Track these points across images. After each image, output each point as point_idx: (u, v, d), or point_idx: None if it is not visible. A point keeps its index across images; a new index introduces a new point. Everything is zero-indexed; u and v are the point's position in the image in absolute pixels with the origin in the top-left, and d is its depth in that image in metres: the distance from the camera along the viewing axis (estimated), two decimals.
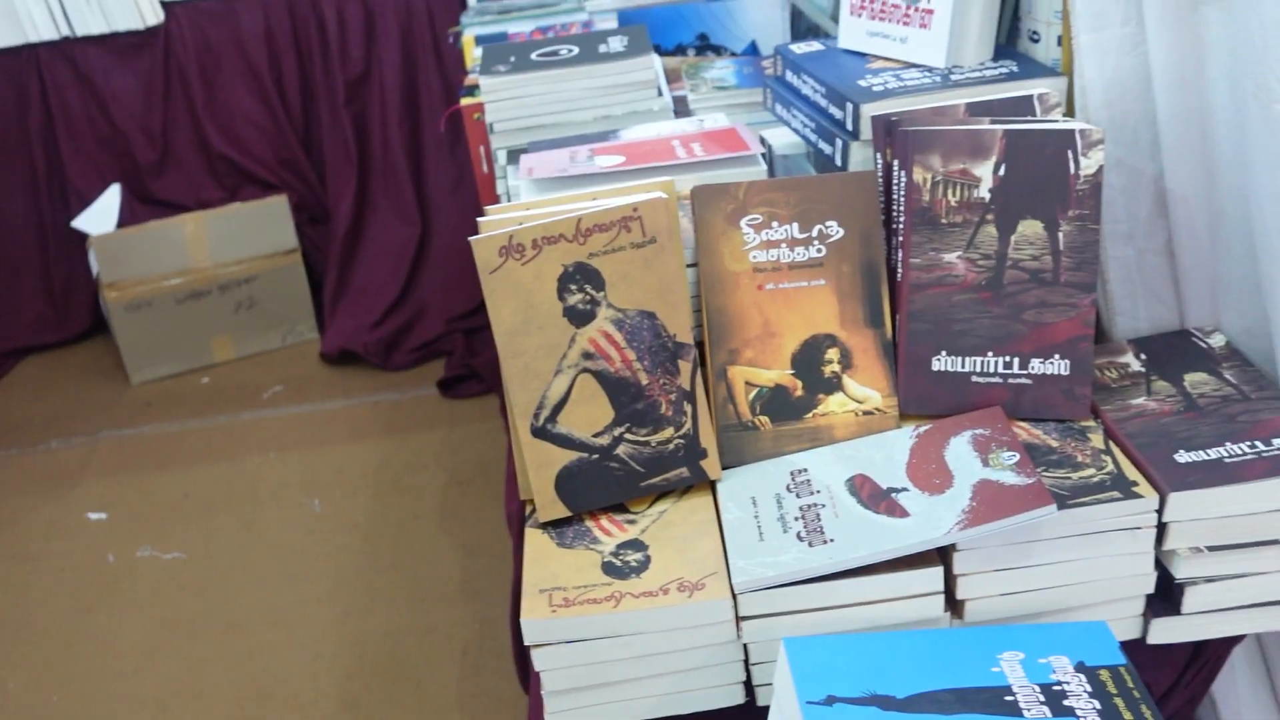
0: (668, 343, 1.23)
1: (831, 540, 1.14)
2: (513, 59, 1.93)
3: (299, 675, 2.51)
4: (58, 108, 3.80)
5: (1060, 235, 1.25)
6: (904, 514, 1.15)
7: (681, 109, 1.98)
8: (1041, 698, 0.97)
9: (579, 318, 1.22)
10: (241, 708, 2.46)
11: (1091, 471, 1.18)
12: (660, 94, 1.92)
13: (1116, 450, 1.21)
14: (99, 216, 3.73)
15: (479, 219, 1.25)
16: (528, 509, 1.27)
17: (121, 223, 3.78)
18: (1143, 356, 1.35)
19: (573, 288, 1.22)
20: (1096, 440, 1.23)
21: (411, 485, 3.08)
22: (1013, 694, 0.97)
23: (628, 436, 1.24)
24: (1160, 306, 1.39)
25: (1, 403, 3.79)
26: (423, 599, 2.66)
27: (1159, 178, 1.35)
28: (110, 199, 3.78)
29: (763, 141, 1.70)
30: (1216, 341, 1.36)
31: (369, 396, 3.53)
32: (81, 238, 3.76)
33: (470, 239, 1.20)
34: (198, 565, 2.88)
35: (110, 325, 3.71)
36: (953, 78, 1.42)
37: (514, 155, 1.80)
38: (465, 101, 2.18)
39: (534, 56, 1.94)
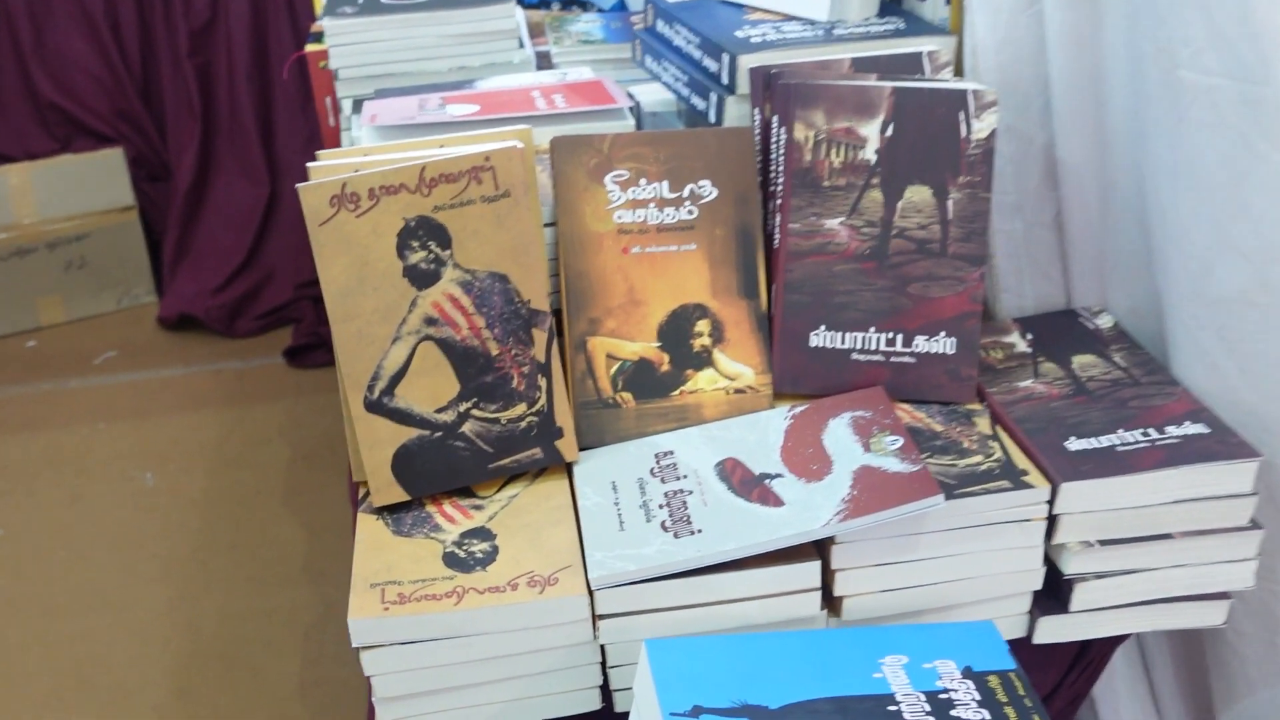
0: (521, 309, 1.11)
1: (699, 531, 1.03)
2: (361, 1, 1.77)
3: (125, 662, 2.34)
4: None
5: (950, 203, 1.16)
6: (778, 502, 1.04)
7: (545, 64, 1.85)
8: (927, 707, 0.87)
9: (421, 278, 1.09)
10: (60, 697, 2.28)
11: (979, 459, 1.09)
12: (521, 45, 1.78)
13: (1004, 436, 1.12)
14: None
15: (309, 164, 1.10)
16: (361, 491, 1.13)
17: None
18: (1029, 336, 1.27)
19: (414, 244, 1.08)
20: (983, 425, 1.14)
21: (254, 459, 2.91)
22: (896, 703, 0.88)
23: (475, 413, 1.11)
24: (1047, 284, 1.32)
25: None
26: (263, 580, 2.50)
27: (1050, 146, 1.27)
28: None
29: (631, 98, 1.57)
30: (1104, 322, 1.29)
31: (210, 364, 3.33)
32: None
33: (298, 186, 1.06)
34: (15, 543, 2.67)
35: None
36: (836, 32, 1.32)
37: (361, 105, 1.64)
38: (311, 48, 2.01)
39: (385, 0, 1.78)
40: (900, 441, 1.08)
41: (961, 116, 1.15)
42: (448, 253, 1.09)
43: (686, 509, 1.05)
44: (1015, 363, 1.23)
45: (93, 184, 3.51)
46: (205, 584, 2.50)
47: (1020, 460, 1.08)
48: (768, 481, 1.07)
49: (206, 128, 3.66)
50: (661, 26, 1.46)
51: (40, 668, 2.31)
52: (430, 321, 1.09)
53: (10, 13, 3.51)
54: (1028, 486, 1.05)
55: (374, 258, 1.08)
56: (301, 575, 2.52)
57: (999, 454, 1.10)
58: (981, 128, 1.15)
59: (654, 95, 1.54)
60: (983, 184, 1.16)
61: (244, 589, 2.48)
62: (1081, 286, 1.32)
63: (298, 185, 1.06)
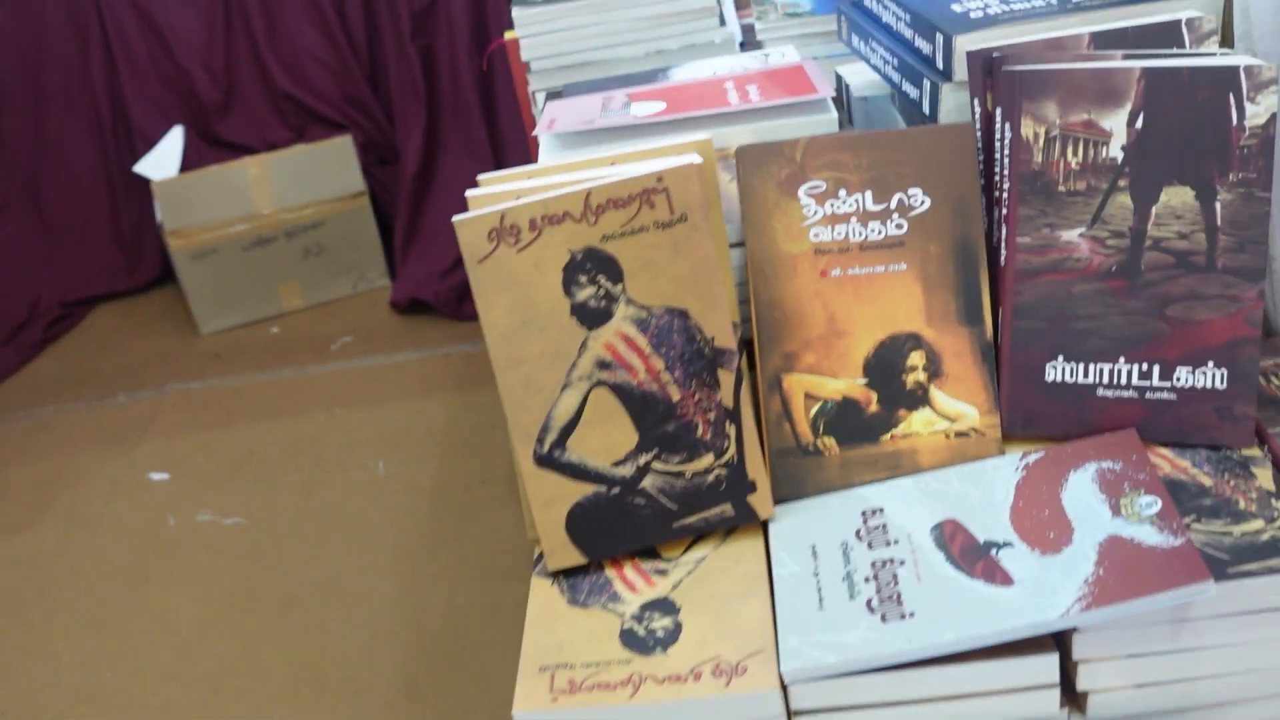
0: (704, 348, 0.97)
1: (911, 614, 0.87)
2: None
3: (355, 656, 2.36)
4: (119, 47, 3.63)
5: (1218, 206, 0.95)
6: (1007, 580, 0.88)
7: (751, 40, 1.69)
8: None
9: (591, 317, 0.97)
10: (296, 691, 2.31)
11: (1259, 525, 0.89)
12: (722, 22, 1.62)
13: None
14: (162, 160, 3.56)
15: (468, 192, 1.00)
16: (535, 551, 1.03)
17: (186, 166, 3.61)
18: None
19: (582, 279, 0.96)
20: (1264, 478, 0.94)
21: (481, 446, 2.89)
22: None
23: (656, 465, 0.99)
24: None
25: (73, 353, 3.70)
26: (488, 574, 2.48)
27: None
28: (173, 142, 3.61)
29: (839, 81, 1.41)
30: None
31: (440, 348, 3.35)
32: (147, 183, 3.60)
33: (454, 219, 0.95)
34: (257, 531, 2.74)
35: (177, 274, 3.56)
36: (1073, 0, 1.11)
37: (556, 98, 1.54)
38: (510, 35, 1.91)
39: None
40: (1158, 505, 0.89)
41: (1232, 99, 0.94)
42: (619, 287, 0.96)
43: (897, 584, 0.90)
44: None
45: (325, 172, 3.56)
46: (432, 576, 2.49)
47: None
48: (994, 552, 0.91)
49: (431, 110, 3.66)
50: (868, 0, 1.29)
51: (277, 661, 2.35)
52: (603, 365, 0.97)
53: (244, 5, 3.59)
54: None
55: (538, 296, 0.96)
56: (526, 569, 2.47)
57: None
58: (1258, 112, 0.94)
59: (867, 75, 1.37)
60: (1260, 181, 0.95)
61: (469, 582, 2.46)
62: None
63: (454, 219, 0.96)
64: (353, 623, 2.44)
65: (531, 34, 1.63)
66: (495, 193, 0.99)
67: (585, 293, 0.96)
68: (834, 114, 1.19)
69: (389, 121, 3.77)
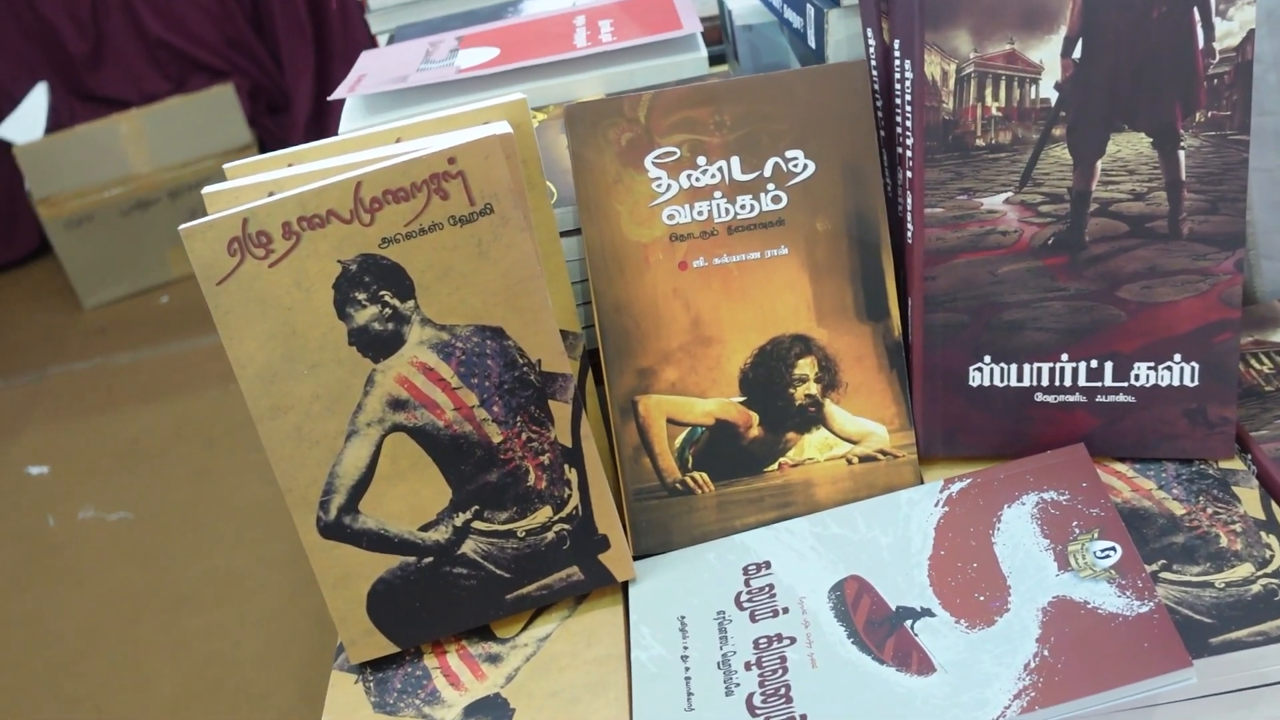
0: (528, 374, 0.75)
1: (802, 718, 0.66)
2: None
3: (251, 661, 2.17)
4: None
5: (1181, 155, 0.74)
6: (925, 666, 0.67)
7: None
8: None
9: (376, 345, 0.74)
10: (187, 706, 2.11)
11: (1247, 570, 0.69)
12: None
13: None
14: (24, 122, 3.26)
15: (205, 190, 0.76)
16: (340, 640, 0.81)
17: (57, 125, 3.32)
18: None
19: (360, 297, 0.73)
20: (1249, 501, 0.73)
21: None
22: None
23: (478, 525, 0.76)
24: None
25: None
26: None
27: None
28: (36, 101, 3.30)
29: (721, 6, 1.17)
30: None
31: None
32: (9, 147, 3.30)
33: (181, 229, 0.72)
34: (144, 526, 2.53)
35: (52, 245, 3.28)
36: None
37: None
38: None
39: None
40: (1116, 554, 0.68)
41: (1197, 14, 0.72)
42: (410, 304, 0.73)
43: (785, 672, 0.69)
44: None
45: (207, 124, 3.28)
46: None
47: None
48: (910, 624, 0.70)
49: (321, 50, 3.38)
50: None
51: (167, 670, 2.20)
52: (397, 405, 0.75)
53: None
54: None
55: (304, 322, 0.73)
56: None
57: (1278, 557, 0.69)
58: (1230, 29, 0.72)
59: (750, 2, 1.13)
60: (1235, 120, 0.73)
61: None
62: None
63: (181, 229, 0.72)
64: (248, 622, 2.25)
65: None
66: (242, 186, 0.75)
67: (365, 314, 0.73)
68: (702, 53, 0.96)
69: (277, 65, 3.49)
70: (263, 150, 3.36)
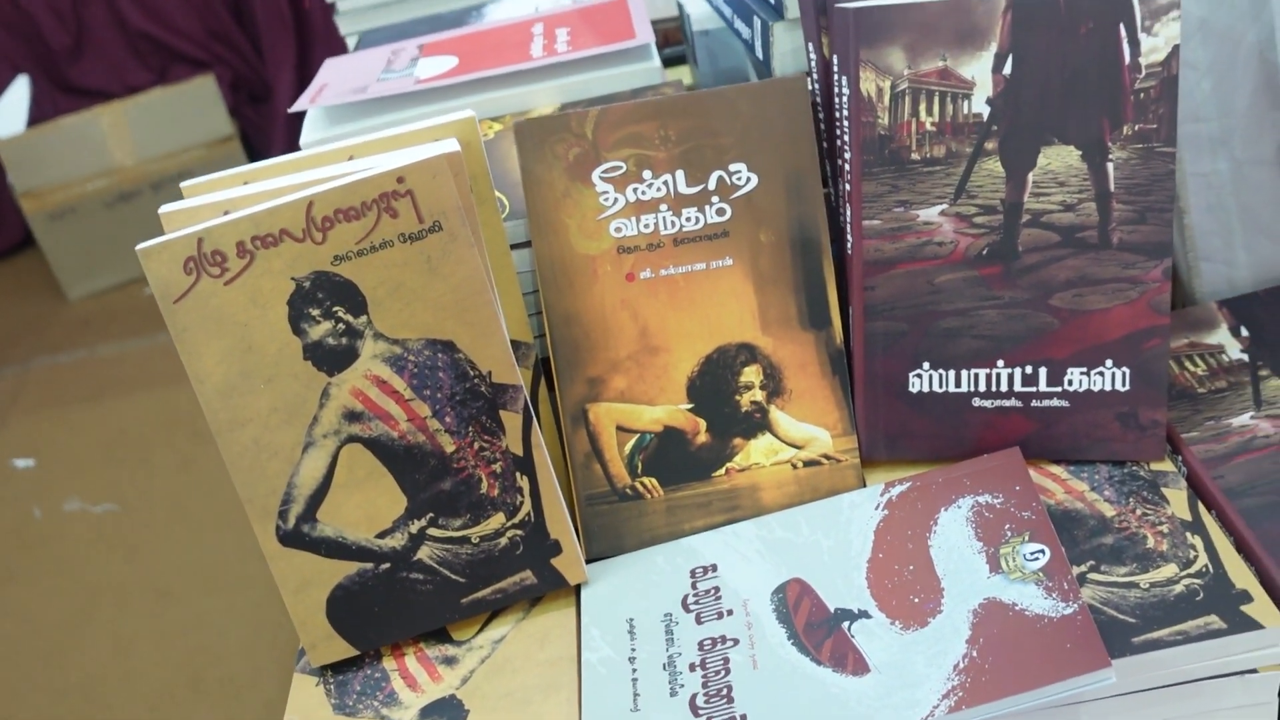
0: (479, 385, 0.77)
1: (743, 718, 0.69)
2: None
3: (236, 651, 2.20)
4: None
5: (1110, 167, 0.76)
6: (860, 666, 0.69)
7: None
8: None
9: (331, 359, 0.76)
10: (172, 695, 2.15)
11: (1170, 571, 0.71)
12: None
13: (1211, 524, 0.74)
14: (6, 115, 3.26)
15: (162, 209, 0.78)
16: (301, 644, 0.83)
17: (40, 118, 3.32)
18: (1244, 332, 0.87)
19: (314, 313, 0.75)
20: (1177, 503, 0.76)
21: None
22: None
23: (433, 532, 0.79)
24: (1269, 245, 0.90)
25: None
26: None
27: (1266, 45, 0.84)
28: (17, 94, 3.30)
29: (680, 11, 1.18)
30: None
31: None
32: None
33: (138, 248, 0.74)
34: (129, 518, 2.55)
35: (35, 238, 3.28)
36: None
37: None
38: None
39: None
40: (1045, 556, 0.71)
41: (1123, 31, 0.74)
42: (363, 319, 0.76)
43: (728, 674, 0.72)
44: (1225, 381, 0.83)
45: (188, 115, 3.28)
46: None
47: (1238, 571, 0.70)
48: (847, 626, 0.72)
49: (302, 40, 3.39)
50: None
51: (151, 661, 2.22)
52: (352, 416, 0.77)
53: None
54: (1252, 626, 0.67)
55: (260, 338, 0.75)
56: None
57: (1202, 558, 0.72)
58: (1155, 45, 0.74)
59: (707, 6, 1.15)
60: (1161, 133, 0.75)
61: None
62: None
63: (138, 248, 0.74)
64: (234, 613, 2.28)
65: None
66: (199, 205, 0.77)
67: (319, 329, 0.75)
68: (655, 63, 0.97)
69: (258, 55, 3.49)
70: (244, 140, 3.37)
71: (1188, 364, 0.85)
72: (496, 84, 0.98)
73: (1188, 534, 0.74)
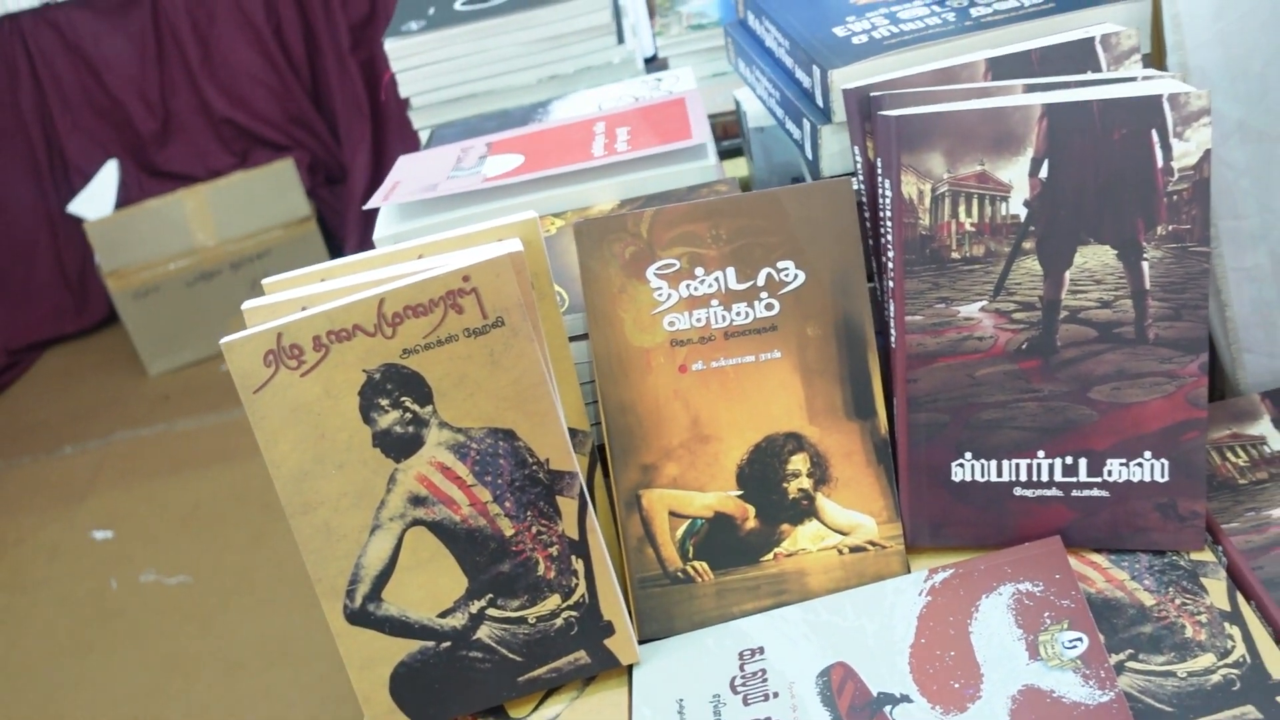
0: (538, 472, 0.81)
1: None
2: (432, 11, 1.49)
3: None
4: (49, 81, 3.48)
5: (1145, 266, 0.79)
6: None
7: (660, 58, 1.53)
8: None
9: (398, 446, 0.80)
10: None
11: (1208, 660, 0.73)
12: (620, 40, 1.45)
13: (1249, 613, 0.75)
14: (96, 198, 3.41)
15: (245, 305, 0.83)
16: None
17: (128, 200, 3.46)
18: None
19: (383, 403, 0.80)
20: (1217, 593, 0.77)
21: None
22: None
23: (492, 613, 0.82)
24: None
25: (21, 403, 3.56)
26: None
27: None
28: (107, 178, 3.45)
29: (737, 107, 1.24)
30: None
31: None
32: (80, 222, 3.45)
33: (222, 342, 0.79)
34: (203, 589, 2.61)
35: (119, 315, 3.41)
36: (974, 12, 0.94)
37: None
38: None
39: (458, 5, 1.49)
40: (1083, 644, 0.73)
41: (1155, 136, 0.77)
42: (428, 409, 0.80)
43: None
44: (1266, 472, 0.85)
45: (268, 198, 3.41)
46: None
47: (1275, 661, 0.72)
48: (889, 710, 0.74)
49: (376, 124, 3.50)
50: (752, 20, 1.12)
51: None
52: (417, 501, 0.81)
53: (175, 28, 3.43)
54: None
55: (332, 427, 0.80)
56: None
57: (1240, 650, 0.73)
58: (1187, 150, 0.77)
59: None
60: (1194, 233, 0.78)
61: None
62: None
63: (222, 342, 0.79)
64: (301, 686, 2.32)
65: (408, 68, 1.47)
66: (278, 302, 0.82)
67: (388, 419, 0.80)
68: (710, 161, 1.02)
69: (335, 139, 3.61)
70: (320, 220, 3.48)
71: (1229, 455, 0.87)
72: (559, 182, 1.03)
73: (1226, 624, 0.75)
